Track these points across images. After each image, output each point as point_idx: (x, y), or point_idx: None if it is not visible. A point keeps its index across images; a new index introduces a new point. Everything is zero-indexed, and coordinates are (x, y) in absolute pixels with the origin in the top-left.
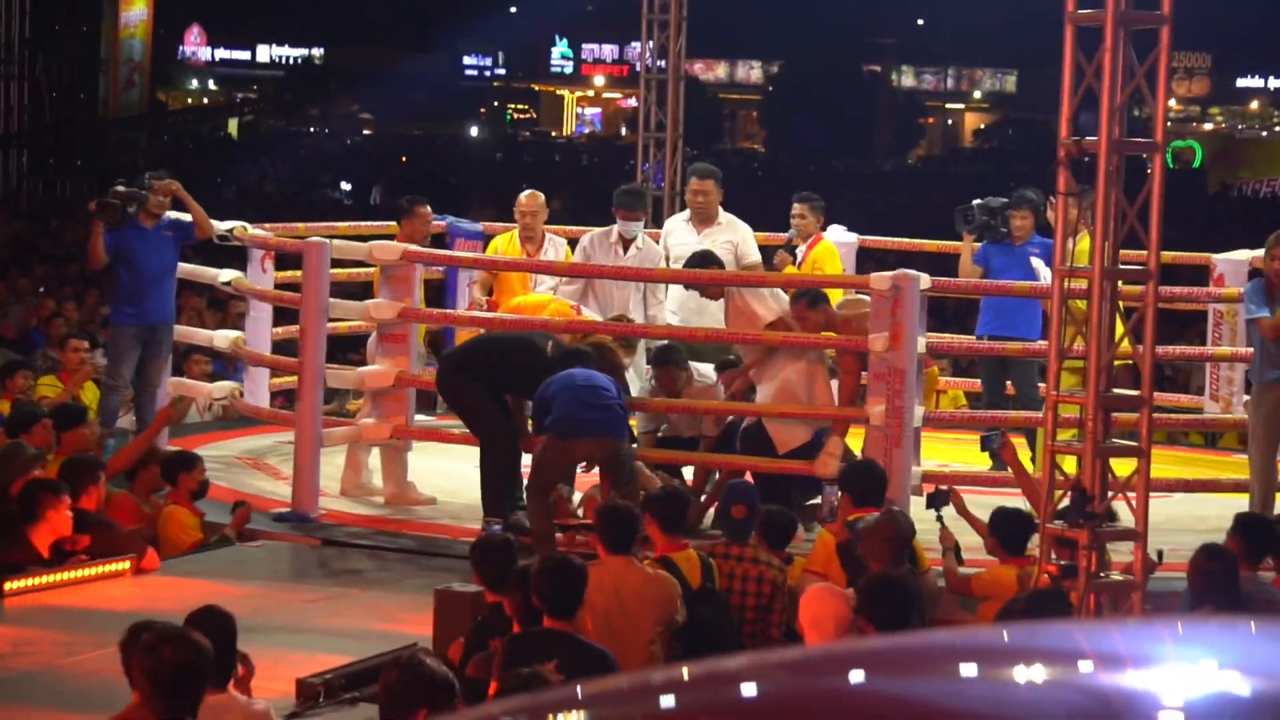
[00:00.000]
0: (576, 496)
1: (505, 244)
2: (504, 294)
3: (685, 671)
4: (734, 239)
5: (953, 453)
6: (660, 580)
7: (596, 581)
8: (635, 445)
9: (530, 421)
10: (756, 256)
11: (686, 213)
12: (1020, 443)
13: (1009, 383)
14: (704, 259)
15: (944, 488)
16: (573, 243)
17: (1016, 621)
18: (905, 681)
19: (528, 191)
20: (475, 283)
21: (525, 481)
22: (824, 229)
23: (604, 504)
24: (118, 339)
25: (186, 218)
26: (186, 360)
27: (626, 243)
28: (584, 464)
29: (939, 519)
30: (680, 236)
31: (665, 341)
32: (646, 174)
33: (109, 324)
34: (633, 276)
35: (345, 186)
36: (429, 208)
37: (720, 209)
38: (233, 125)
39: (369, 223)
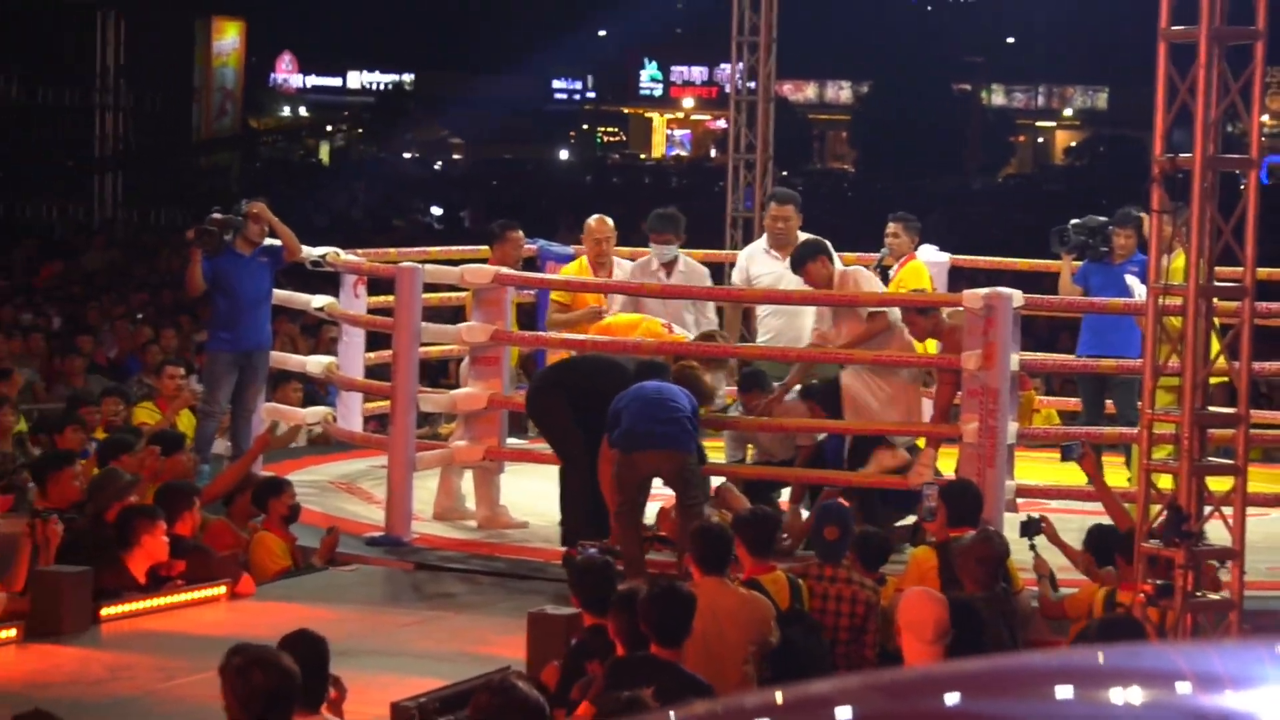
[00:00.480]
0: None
1: (577, 271)
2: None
3: (779, 696)
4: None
5: (1046, 471)
6: (755, 601)
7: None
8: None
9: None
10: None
11: (764, 239)
12: (1117, 461)
13: (1109, 403)
14: (813, 246)
15: (1036, 516)
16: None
17: (1098, 644)
18: (1002, 703)
19: (596, 217)
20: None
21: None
22: (917, 249)
23: (700, 525)
24: (214, 365)
25: (278, 243)
26: (280, 386)
27: (668, 267)
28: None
29: (1032, 548)
30: (762, 264)
31: (751, 367)
32: (737, 197)
33: (205, 350)
34: (724, 297)
35: (436, 211)
36: (520, 232)
37: (799, 234)
38: (324, 151)
39: (460, 247)
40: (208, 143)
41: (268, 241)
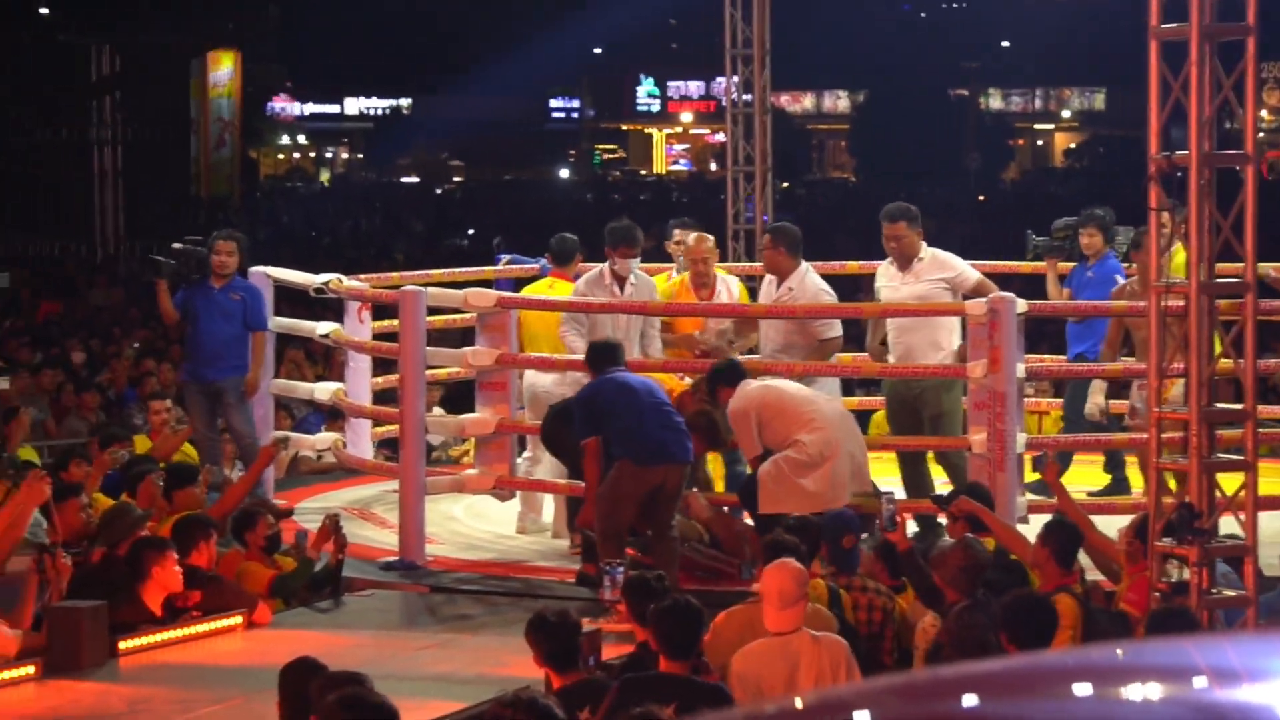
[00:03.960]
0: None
1: (677, 292)
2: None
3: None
4: (944, 275)
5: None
6: (819, 615)
7: (747, 619)
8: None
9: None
10: (974, 276)
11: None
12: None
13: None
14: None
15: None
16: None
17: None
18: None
19: (696, 235)
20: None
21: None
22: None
23: (772, 538)
24: (185, 395)
25: (259, 283)
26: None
27: (621, 280)
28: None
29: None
30: (886, 281)
31: (730, 361)
32: (738, 209)
33: (180, 381)
34: (776, 314)
35: (470, 232)
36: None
37: (924, 246)
38: (324, 176)
39: (466, 269)
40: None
41: (254, 271)
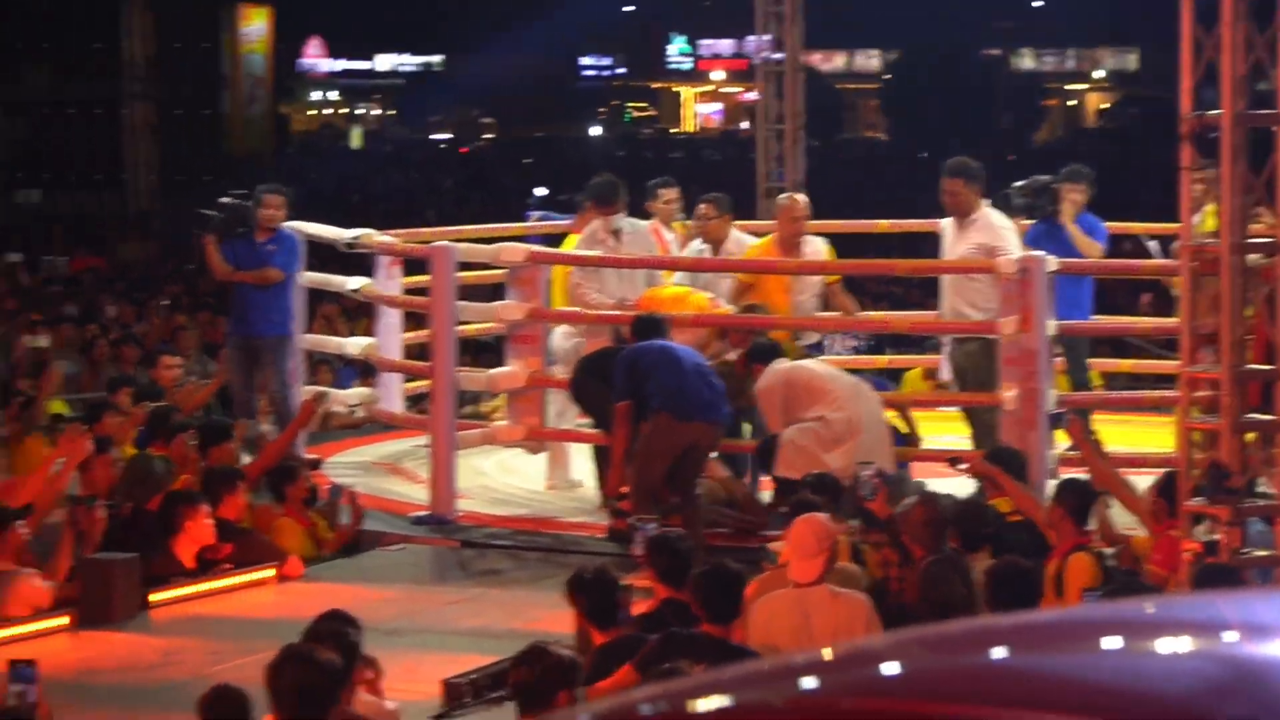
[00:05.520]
0: None
1: (763, 249)
2: (763, 297)
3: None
4: (984, 241)
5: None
6: (850, 573)
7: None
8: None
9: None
10: (1013, 253)
11: None
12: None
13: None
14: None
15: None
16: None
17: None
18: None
19: (788, 195)
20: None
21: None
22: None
23: (796, 497)
24: (228, 349)
25: (296, 232)
26: (317, 369)
27: (614, 233)
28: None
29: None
30: (947, 235)
31: (765, 339)
32: (770, 168)
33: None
34: (810, 270)
35: (540, 191)
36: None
37: (983, 206)
38: (356, 135)
39: (497, 225)
40: (241, 141)
41: (288, 226)
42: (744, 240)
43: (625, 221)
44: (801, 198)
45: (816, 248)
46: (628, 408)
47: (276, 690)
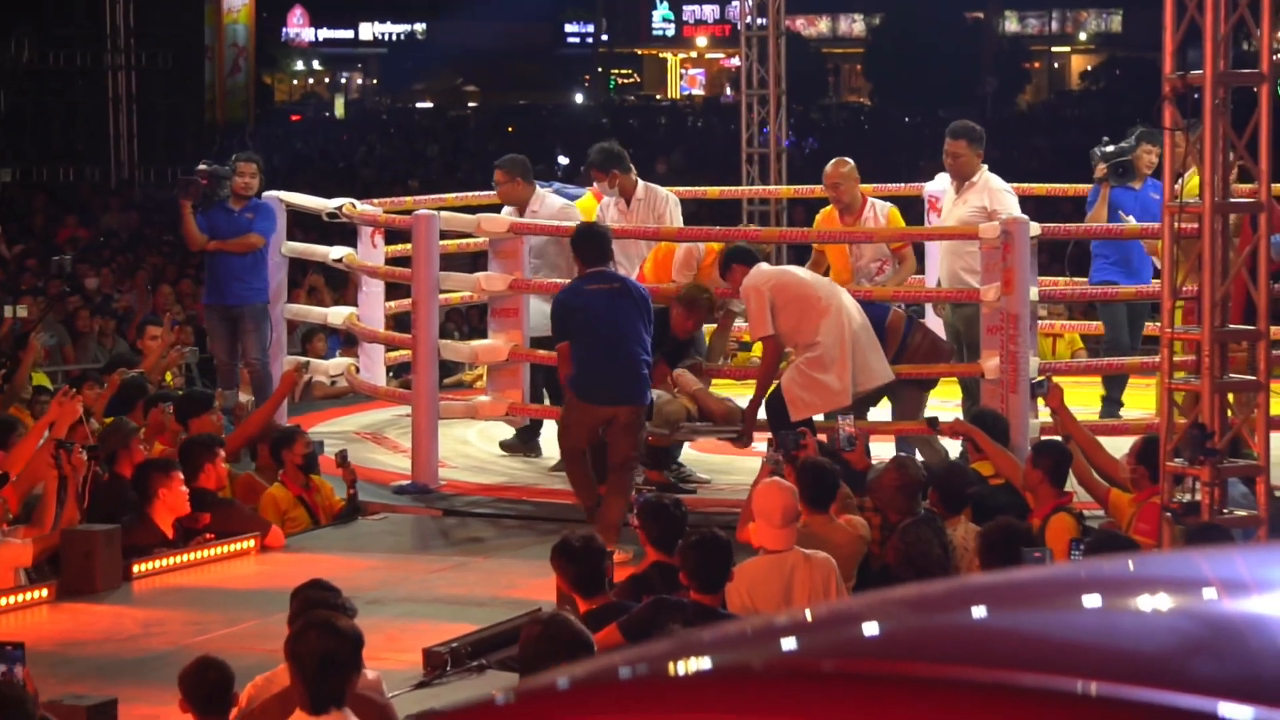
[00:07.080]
0: None
1: (824, 218)
2: (828, 266)
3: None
4: (983, 204)
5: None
6: (856, 530)
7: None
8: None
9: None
10: (1014, 215)
11: None
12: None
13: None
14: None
15: (1044, 379)
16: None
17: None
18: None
19: (835, 160)
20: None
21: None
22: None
23: (806, 460)
24: (208, 320)
25: (271, 201)
26: (310, 339)
27: (627, 197)
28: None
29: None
30: (947, 196)
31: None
32: (752, 133)
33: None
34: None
35: (563, 160)
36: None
37: (984, 170)
38: (339, 104)
39: (477, 193)
40: (223, 110)
41: (268, 195)
42: (655, 190)
43: (641, 187)
44: (846, 160)
45: (878, 211)
46: (566, 349)
47: (298, 657)
